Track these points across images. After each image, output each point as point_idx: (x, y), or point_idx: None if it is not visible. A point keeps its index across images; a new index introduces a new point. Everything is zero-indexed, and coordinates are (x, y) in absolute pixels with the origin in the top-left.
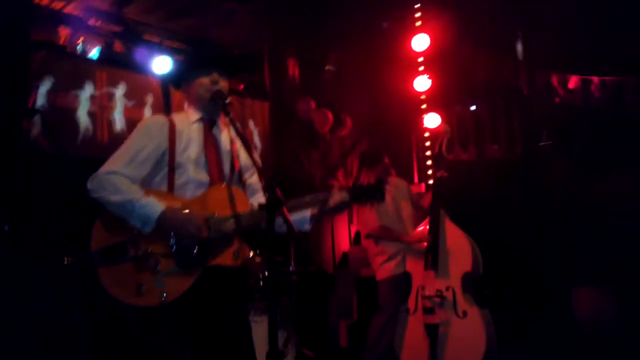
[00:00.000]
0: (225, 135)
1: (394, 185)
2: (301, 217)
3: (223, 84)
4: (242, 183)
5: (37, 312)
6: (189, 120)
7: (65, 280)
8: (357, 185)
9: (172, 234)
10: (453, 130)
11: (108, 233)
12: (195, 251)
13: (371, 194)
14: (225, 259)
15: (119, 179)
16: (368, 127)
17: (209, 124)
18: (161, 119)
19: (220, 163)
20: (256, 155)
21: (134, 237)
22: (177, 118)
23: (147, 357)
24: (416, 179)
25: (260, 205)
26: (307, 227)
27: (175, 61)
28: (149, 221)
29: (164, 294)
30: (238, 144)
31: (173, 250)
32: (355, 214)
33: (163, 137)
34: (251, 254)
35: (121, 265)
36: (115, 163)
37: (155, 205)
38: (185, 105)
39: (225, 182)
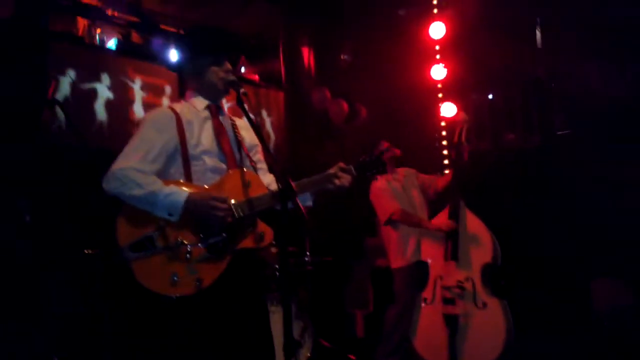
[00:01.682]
0: (227, 119)
1: (404, 174)
2: (303, 195)
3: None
4: (251, 165)
5: (58, 303)
6: (196, 109)
7: (87, 271)
8: (360, 160)
9: (200, 221)
10: (470, 119)
11: (133, 227)
12: (223, 236)
13: (374, 166)
14: (249, 241)
15: (135, 173)
16: (383, 117)
17: (216, 111)
18: (167, 112)
19: (232, 149)
20: (270, 147)
21: (161, 228)
22: (181, 108)
23: (171, 345)
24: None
25: (274, 194)
26: (309, 203)
27: (185, 47)
28: (175, 210)
29: (199, 281)
30: (239, 125)
31: (202, 237)
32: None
33: (172, 131)
34: (273, 237)
35: (153, 258)
36: (128, 159)
37: (179, 193)
38: (189, 92)
39: (239, 167)
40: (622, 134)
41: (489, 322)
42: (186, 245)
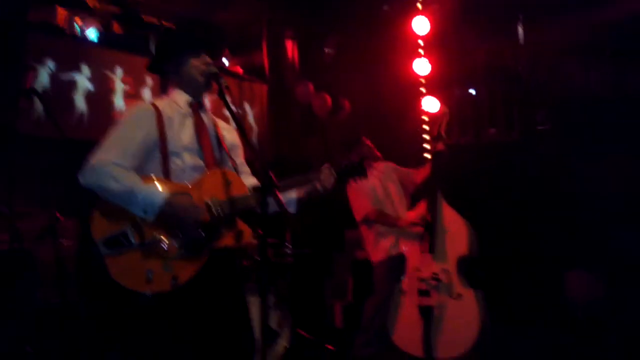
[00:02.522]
0: (209, 117)
1: (381, 169)
2: (287, 198)
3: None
4: (232, 166)
5: (35, 296)
6: (177, 105)
7: (64, 263)
8: (342, 166)
9: (176, 220)
10: (452, 113)
11: (109, 222)
12: (201, 235)
13: (355, 171)
14: (229, 240)
15: (114, 168)
16: (366, 111)
17: (197, 107)
18: (148, 107)
19: (212, 147)
20: (253, 139)
21: (137, 224)
22: (162, 104)
23: (149, 341)
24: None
25: (255, 189)
26: (292, 209)
27: (161, 41)
28: (151, 209)
29: (175, 279)
30: (220, 124)
31: (179, 235)
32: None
33: (152, 127)
34: (252, 235)
35: (127, 254)
36: (107, 153)
37: (156, 193)
38: (171, 87)
39: (218, 166)
40: (602, 129)
41: (463, 313)
42: (162, 242)
